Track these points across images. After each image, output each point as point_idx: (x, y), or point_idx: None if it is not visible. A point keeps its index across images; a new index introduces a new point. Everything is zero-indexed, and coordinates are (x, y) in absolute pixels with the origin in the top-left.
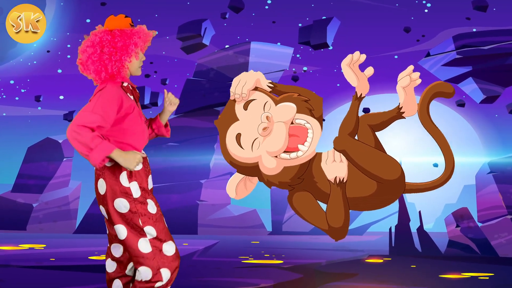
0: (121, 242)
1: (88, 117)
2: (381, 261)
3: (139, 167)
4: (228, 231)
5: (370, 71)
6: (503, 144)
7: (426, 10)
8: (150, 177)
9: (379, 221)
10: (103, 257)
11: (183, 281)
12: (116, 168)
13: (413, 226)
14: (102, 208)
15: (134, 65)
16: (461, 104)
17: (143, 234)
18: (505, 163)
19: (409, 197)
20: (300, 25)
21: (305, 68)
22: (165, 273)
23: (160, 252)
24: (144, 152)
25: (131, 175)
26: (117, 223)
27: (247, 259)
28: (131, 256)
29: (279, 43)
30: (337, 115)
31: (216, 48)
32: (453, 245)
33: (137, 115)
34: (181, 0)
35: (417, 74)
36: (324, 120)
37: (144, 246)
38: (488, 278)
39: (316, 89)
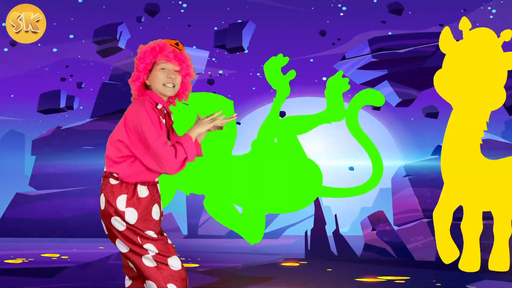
0: (124, 255)
1: (164, 146)
2: (297, 264)
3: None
4: None
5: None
6: (419, 148)
7: (341, 14)
8: (156, 206)
9: (295, 225)
10: (19, 260)
11: (98, 285)
12: (117, 188)
13: (329, 229)
14: (102, 223)
15: (155, 84)
16: (376, 107)
17: (144, 251)
18: (420, 167)
19: (325, 201)
20: (215, 28)
21: (220, 72)
22: None
23: (166, 266)
24: (156, 178)
25: (130, 200)
26: (117, 238)
27: None
28: (136, 269)
29: (194, 47)
30: (252, 118)
31: (132, 52)
32: (369, 248)
33: None
34: (96, 3)
35: (347, 80)
36: (239, 123)
37: (147, 262)
38: (404, 281)
39: (231, 93)
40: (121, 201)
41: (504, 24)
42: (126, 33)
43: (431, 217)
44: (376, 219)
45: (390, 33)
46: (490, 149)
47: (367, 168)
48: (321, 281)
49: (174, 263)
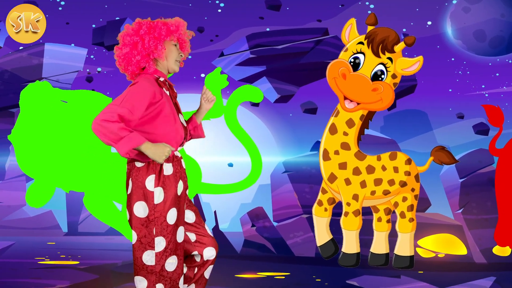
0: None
1: (115, 111)
2: None
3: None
4: (24, 232)
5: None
6: (298, 143)
7: (219, 10)
8: (180, 182)
9: None
10: None
11: None
12: (145, 170)
13: (209, 226)
14: (127, 209)
15: (169, 58)
16: (255, 104)
17: (151, 246)
18: (299, 162)
19: (204, 197)
20: (93, 26)
21: (99, 69)
22: None
23: (162, 267)
24: (178, 153)
25: (159, 180)
26: (133, 228)
27: (43, 260)
28: (133, 262)
29: (73, 44)
30: None
31: (10, 50)
32: (248, 244)
33: (169, 114)
34: None
35: (225, 76)
36: None
37: (148, 258)
38: (284, 277)
39: (110, 90)
40: (150, 182)
41: (382, 20)
42: (4, 31)
43: (311, 213)
44: (255, 215)
45: (268, 29)
46: (369, 144)
47: (246, 164)
48: None
49: (170, 264)
